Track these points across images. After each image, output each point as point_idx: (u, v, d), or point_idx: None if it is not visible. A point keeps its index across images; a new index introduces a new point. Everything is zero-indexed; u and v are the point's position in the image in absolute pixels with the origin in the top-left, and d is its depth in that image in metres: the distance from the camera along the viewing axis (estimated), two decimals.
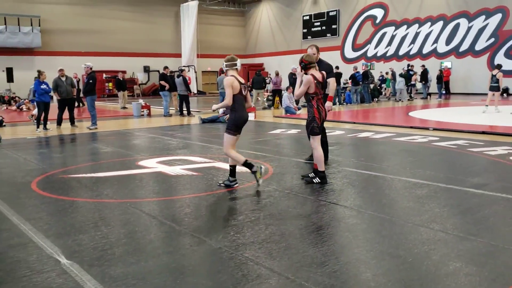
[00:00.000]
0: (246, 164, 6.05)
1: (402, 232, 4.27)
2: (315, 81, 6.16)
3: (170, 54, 39.15)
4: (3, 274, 3.48)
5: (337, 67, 23.43)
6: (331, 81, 7.49)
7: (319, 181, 6.20)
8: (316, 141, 6.28)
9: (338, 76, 22.74)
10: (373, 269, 3.47)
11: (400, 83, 25.04)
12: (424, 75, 26.05)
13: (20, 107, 22.58)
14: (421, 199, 5.38)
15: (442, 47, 30.64)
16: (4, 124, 15.04)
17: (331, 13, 37.39)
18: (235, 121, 5.99)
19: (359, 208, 5.09)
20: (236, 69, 6.07)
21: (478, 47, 28.71)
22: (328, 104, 7.26)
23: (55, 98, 14.01)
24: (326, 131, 7.86)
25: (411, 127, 12.72)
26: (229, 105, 5.92)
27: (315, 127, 6.21)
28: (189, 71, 35.33)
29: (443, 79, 26.61)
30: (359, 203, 5.32)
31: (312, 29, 38.87)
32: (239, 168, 7.21)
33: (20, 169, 7.69)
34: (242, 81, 6.05)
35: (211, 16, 42.47)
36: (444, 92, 27.10)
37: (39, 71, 13.50)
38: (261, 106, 21.82)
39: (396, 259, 3.62)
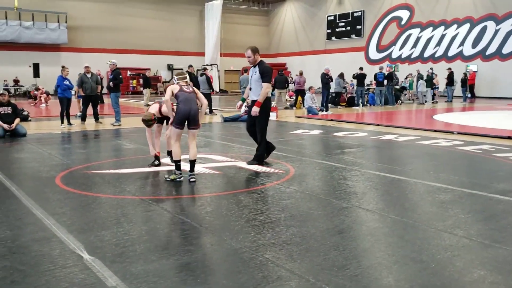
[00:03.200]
0: (176, 163, 6.51)
1: (425, 237, 4.21)
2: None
3: (193, 53, 39.43)
4: (27, 268, 3.53)
5: (361, 68, 23.24)
6: (264, 86, 7.44)
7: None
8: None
9: (362, 77, 22.56)
10: (395, 273, 3.43)
11: (421, 85, 24.78)
12: (451, 78, 25.73)
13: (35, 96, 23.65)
14: (445, 204, 5.30)
15: (468, 50, 30.20)
16: (29, 119, 15.28)
17: (356, 14, 37.19)
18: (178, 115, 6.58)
19: (381, 211, 5.03)
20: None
21: (506, 50, 28.23)
22: (254, 109, 7.48)
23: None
24: (350, 132, 7.81)
25: (435, 131, 12.56)
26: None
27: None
28: (211, 69, 35.49)
29: (468, 83, 26.25)
30: (382, 207, 5.27)
31: (336, 29, 38.72)
32: (262, 169, 7.21)
33: (45, 164, 7.80)
34: None
35: (235, 15, 42.65)
36: (469, 95, 26.71)
37: (62, 67, 13.70)
38: (283, 106, 21.78)
39: (419, 265, 3.57)
